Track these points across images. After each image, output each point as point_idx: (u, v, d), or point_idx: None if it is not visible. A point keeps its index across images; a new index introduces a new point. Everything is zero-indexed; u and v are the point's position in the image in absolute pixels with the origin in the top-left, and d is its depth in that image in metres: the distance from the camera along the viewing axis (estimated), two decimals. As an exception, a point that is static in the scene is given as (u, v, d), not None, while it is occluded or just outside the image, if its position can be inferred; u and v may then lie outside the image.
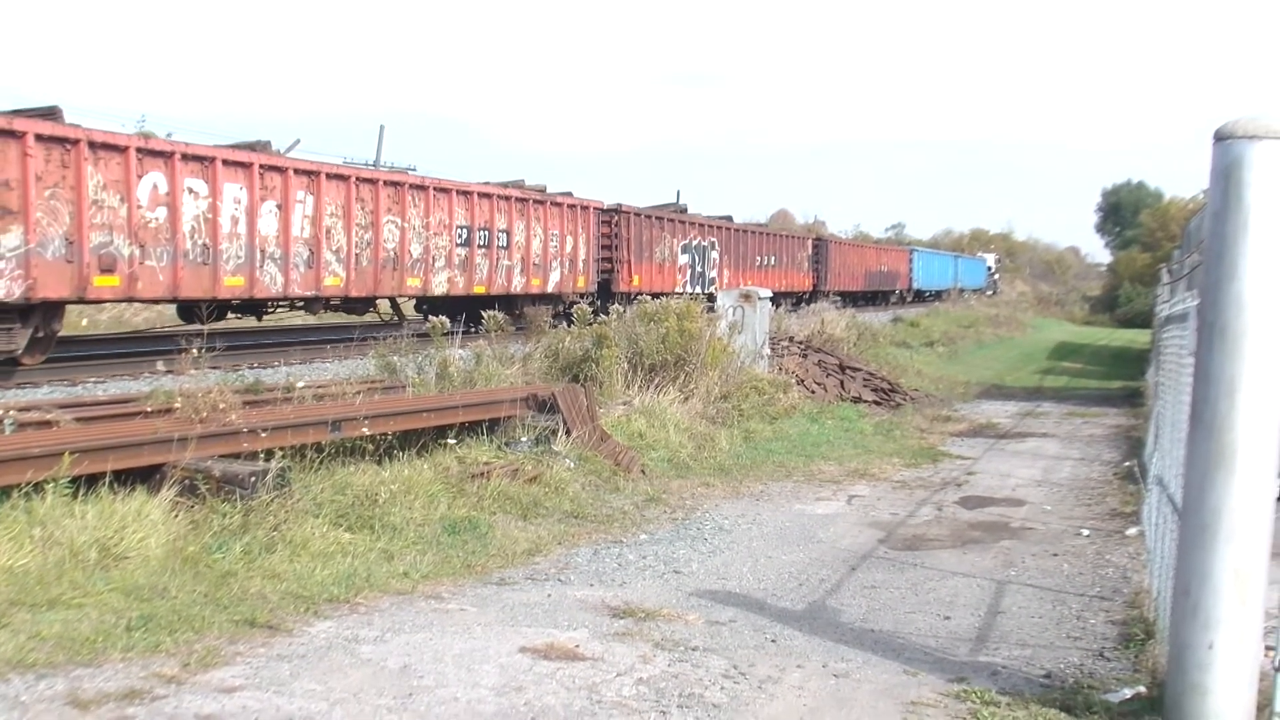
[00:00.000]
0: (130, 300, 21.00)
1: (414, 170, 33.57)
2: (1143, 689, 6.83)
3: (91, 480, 9.27)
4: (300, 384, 14.76)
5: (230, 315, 24.02)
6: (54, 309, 18.63)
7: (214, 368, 15.13)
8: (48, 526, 8.56)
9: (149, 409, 12.38)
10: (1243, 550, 5.89)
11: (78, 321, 27.93)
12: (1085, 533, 12.43)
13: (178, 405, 11.46)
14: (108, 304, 25.81)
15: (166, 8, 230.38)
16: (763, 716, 6.51)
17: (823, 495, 14.22)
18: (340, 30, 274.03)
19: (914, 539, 11.92)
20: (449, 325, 18.43)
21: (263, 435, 10.77)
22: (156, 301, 21.67)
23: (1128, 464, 16.88)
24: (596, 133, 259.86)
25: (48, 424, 11.43)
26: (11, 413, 11.39)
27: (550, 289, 31.63)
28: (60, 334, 19.41)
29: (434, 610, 8.42)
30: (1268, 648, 6.07)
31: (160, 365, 14.32)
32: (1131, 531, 12.30)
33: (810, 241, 55.43)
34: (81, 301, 19.29)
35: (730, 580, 9.85)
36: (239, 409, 11.47)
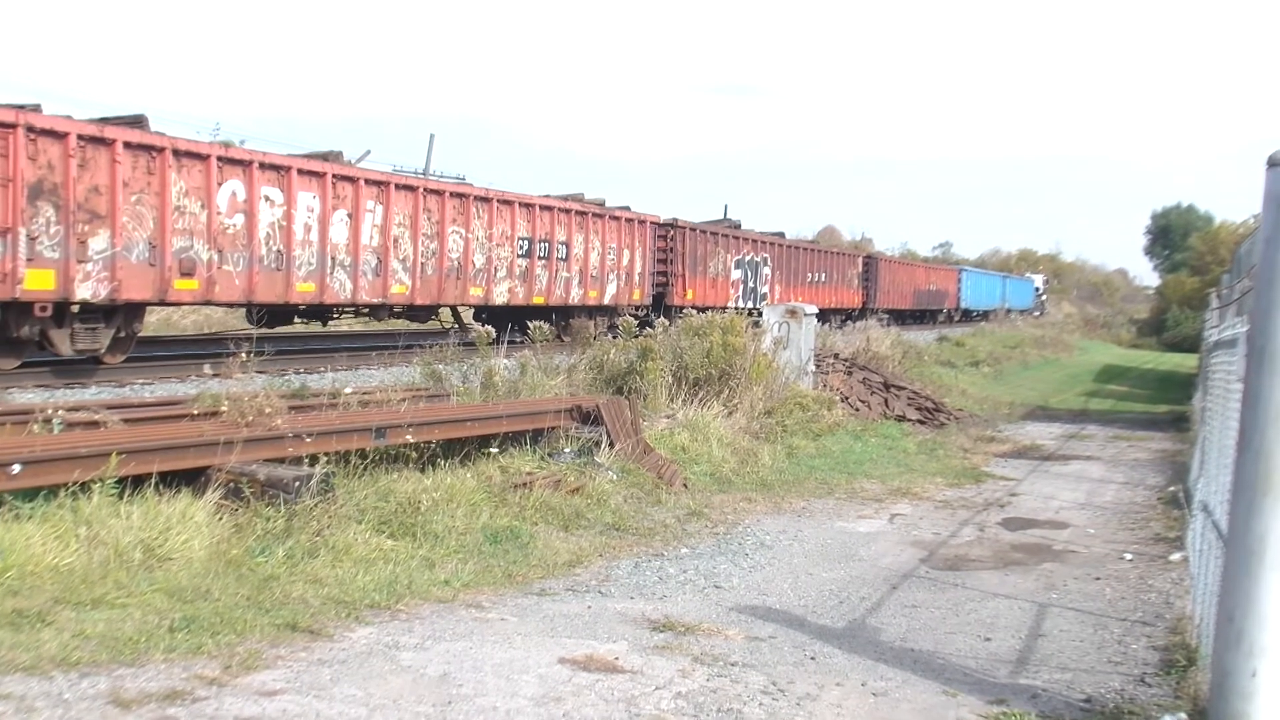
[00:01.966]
0: (208, 303, 21.68)
1: (464, 179, 33.77)
2: (1184, 716, 6.78)
3: (138, 481, 9.34)
4: (346, 390, 14.83)
5: (297, 320, 24.68)
6: (136, 310, 19.43)
7: (261, 372, 15.22)
8: (94, 526, 8.63)
9: (195, 412, 12.47)
10: (1289, 579, 5.84)
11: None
12: (1128, 557, 12.34)
13: (224, 409, 11.54)
14: (186, 306, 26.24)
15: (199, 10, 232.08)
16: (800, 733, 6.49)
17: (865, 513, 14.17)
18: (387, 36, 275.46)
19: (955, 559, 11.87)
20: (494, 334, 18.50)
21: (307, 440, 10.83)
22: (233, 305, 22.57)
23: (1172, 489, 16.75)
24: (643, 142, 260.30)
25: (95, 424, 11.52)
26: (60, 413, 11.49)
27: (607, 301, 31.98)
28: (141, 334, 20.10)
29: (474, 619, 8.44)
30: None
31: (207, 368, 14.45)
32: (1175, 557, 12.21)
33: (860, 259, 55.56)
34: (162, 303, 20.30)
35: (770, 596, 9.83)
36: (284, 414, 11.55)
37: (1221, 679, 6.06)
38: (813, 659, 8.00)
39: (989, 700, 7.21)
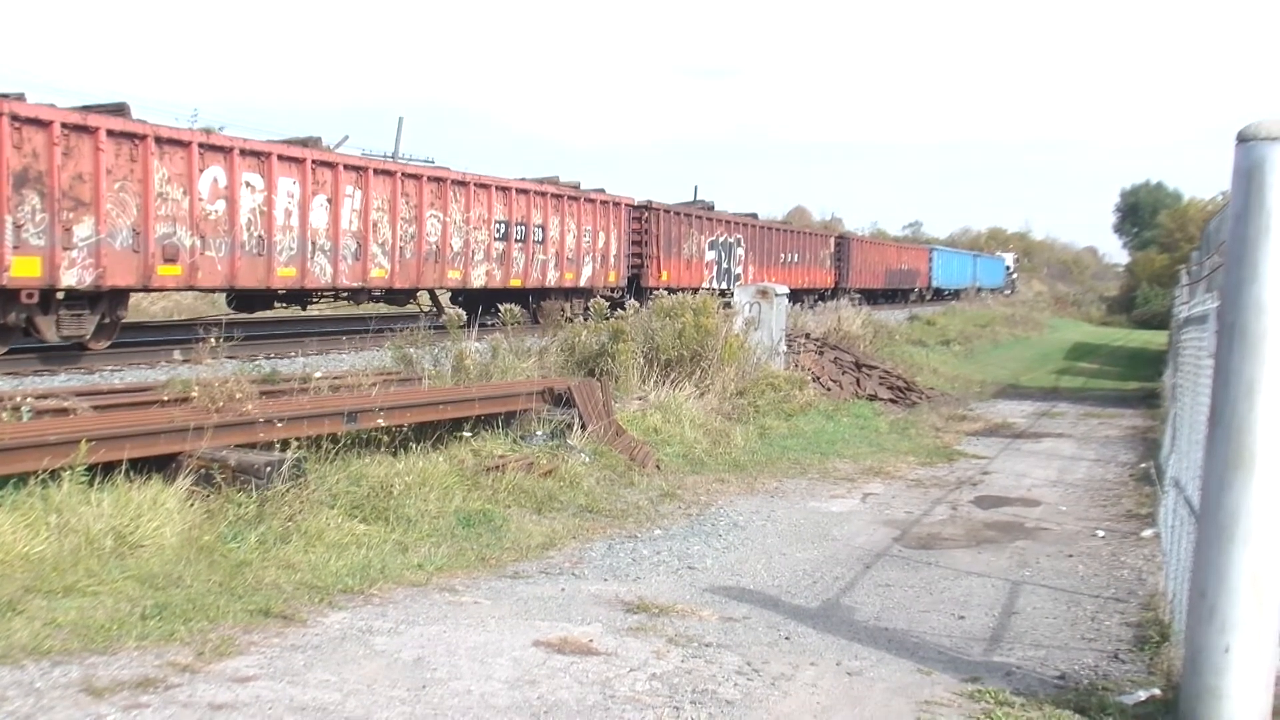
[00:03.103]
0: (191, 289, 22.01)
1: (431, 162, 33.73)
2: (1157, 691, 6.80)
3: (108, 468, 9.30)
4: (317, 374, 14.78)
5: (277, 304, 24.92)
6: (120, 296, 19.65)
7: (231, 357, 15.18)
8: (64, 514, 8.58)
9: (166, 398, 12.41)
10: (1260, 553, 5.86)
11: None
12: (1101, 534, 12.40)
13: (194, 394, 11.50)
14: (165, 292, 26.38)
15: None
16: (776, 714, 6.49)
17: (837, 493, 14.20)
18: (356, 20, 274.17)
19: (929, 538, 11.90)
20: (465, 318, 18.47)
21: (278, 425, 10.79)
22: (215, 290, 22.76)
23: (1144, 465, 16.83)
24: (613, 125, 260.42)
25: (65, 411, 11.46)
26: (29, 400, 11.42)
27: (583, 283, 32.24)
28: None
29: (448, 602, 8.42)
30: (1284, 652, 6.04)
31: (177, 354, 14.40)
32: (1147, 533, 12.27)
33: (833, 240, 55.69)
34: (146, 290, 20.63)
35: (744, 577, 9.84)
36: (255, 399, 11.50)
37: (1194, 654, 6.09)
38: (787, 639, 8.00)
39: (963, 678, 7.23)
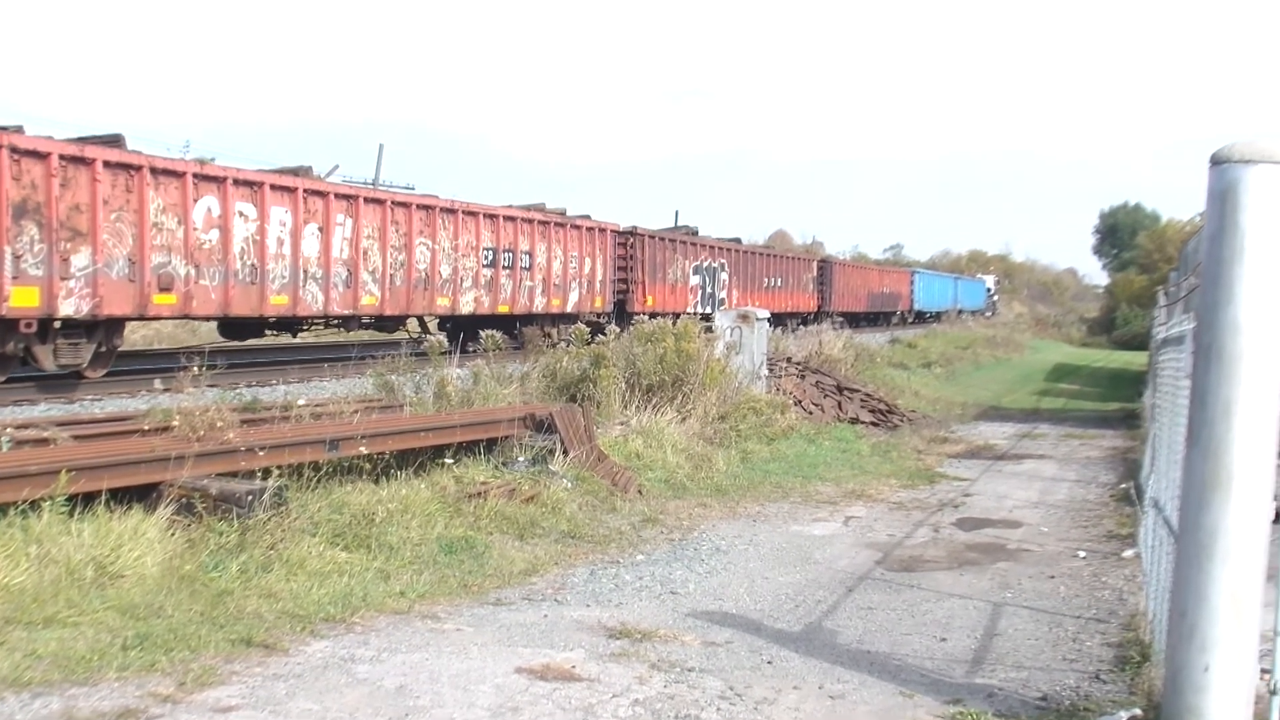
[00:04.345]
0: (186, 317, 22.09)
1: (412, 189, 33.80)
2: (1139, 712, 6.82)
3: (88, 498, 9.27)
4: (299, 402, 14.77)
5: (268, 332, 25.16)
6: (116, 325, 19.80)
7: (212, 386, 15.14)
8: (44, 544, 8.55)
9: (146, 427, 12.37)
10: (1239, 572, 5.89)
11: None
12: (1082, 554, 12.43)
13: (175, 423, 11.47)
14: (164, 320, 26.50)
15: (131, 17, 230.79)
16: (759, 738, 6.50)
17: (820, 516, 14.21)
18: (333, 43, 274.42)
19: (911, 560, 11.92)
20: (446, 345, 18.50)
21: (260, 454, 10.76)
22: (209, 319, 22.89)
23: (1124, 486, 16.86)
24: (592, 147, 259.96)
25: (45, 441, 11.42)
26: (9, 430, 11.39)
27: (569, 309, 32.58)
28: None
29: (430, 630, 8.41)
30: (1263, 670, 6.07)
31: (158, 383, 14.38)
32: (1128, 553, 12.30)
33: (815, 263, 55.99)
34: (142, 319, 20.83)
35: (727, 601, 9.84)
36: (236, 427, 11.48)
37: (1175, 674, 6.11)
38: (770, 663, 8.01)
39: (945, 700, 7.25)
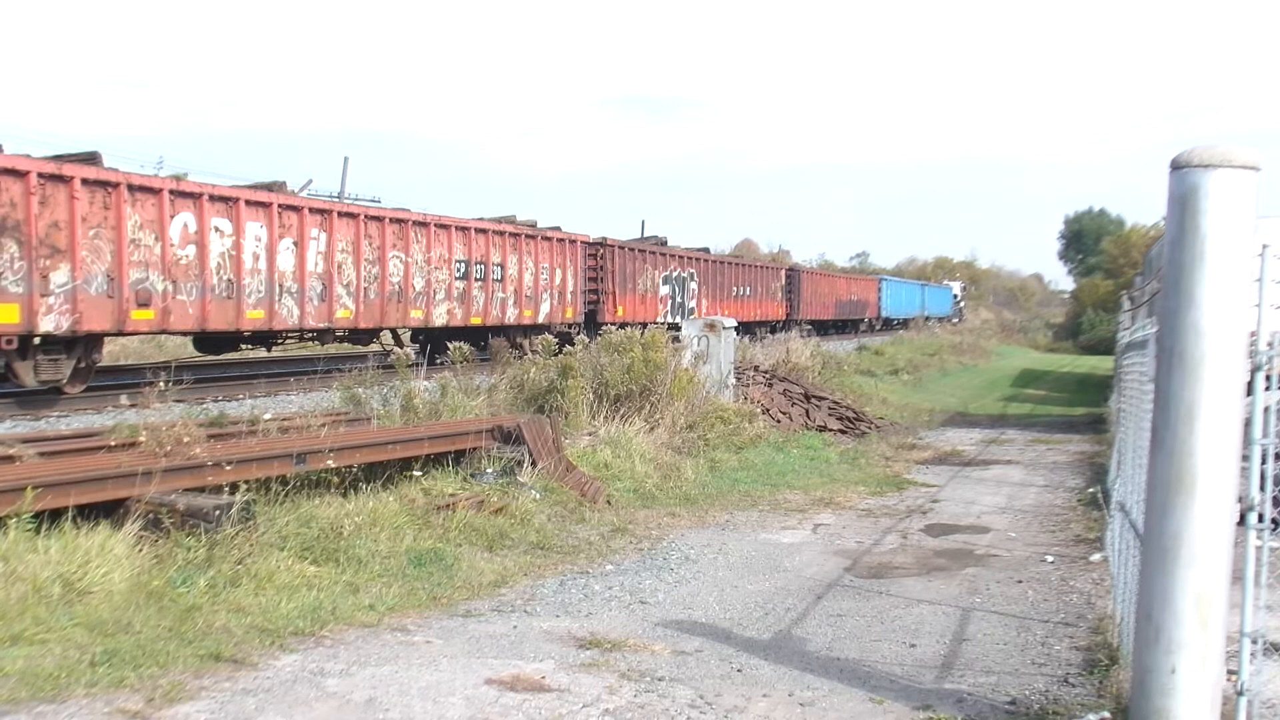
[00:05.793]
0: (163, 332, 22.09)
1: (378, 201, 33.84)
2: (1107, 714, 6.86)
3: (55, 515, 9.21)
4: (266, 416, 14.72)
5: (243, 346, 25.29)
6: (95, 341, 19.94)
7: (179, 401, 15.10)
8: (10, 562, 8.50)
9: (113, 443, 12.32)
10: (1204, 574, 5.93)
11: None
12: (1049, 559, 12.48)
13: (142, 439, 11.42)
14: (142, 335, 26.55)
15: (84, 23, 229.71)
16: (729, 746, 6.51)
17: (788, 524, 14.23)
18: (304, 52, 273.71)
19: (879, 567, 11.95)
20: (413, 357, 18.50)
21: (227, 468, 10.72)
22: (187, 334, 22.90)
23: (1091, 490, 16.95)
24: (559, 156, 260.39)
25: (10, 459, 11.34)
26: (-27, 448, 11.31)
27: (541, 320, 32.71)
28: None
29: (400, 643, 8.40)
30: (1230, 671, 6.11)
31: (124, 399, 14.34)
32: (1095, 557, 12.36)
33: (784, 272, 56.19)
34: (120, 334, 20.83)
35: (696, 610, 9.86)
36: (203, 442, 11.43)
37: (1142, 676, 6.15)
38: (739, 671, 8.02)
39: (915, 706, 7.27)
